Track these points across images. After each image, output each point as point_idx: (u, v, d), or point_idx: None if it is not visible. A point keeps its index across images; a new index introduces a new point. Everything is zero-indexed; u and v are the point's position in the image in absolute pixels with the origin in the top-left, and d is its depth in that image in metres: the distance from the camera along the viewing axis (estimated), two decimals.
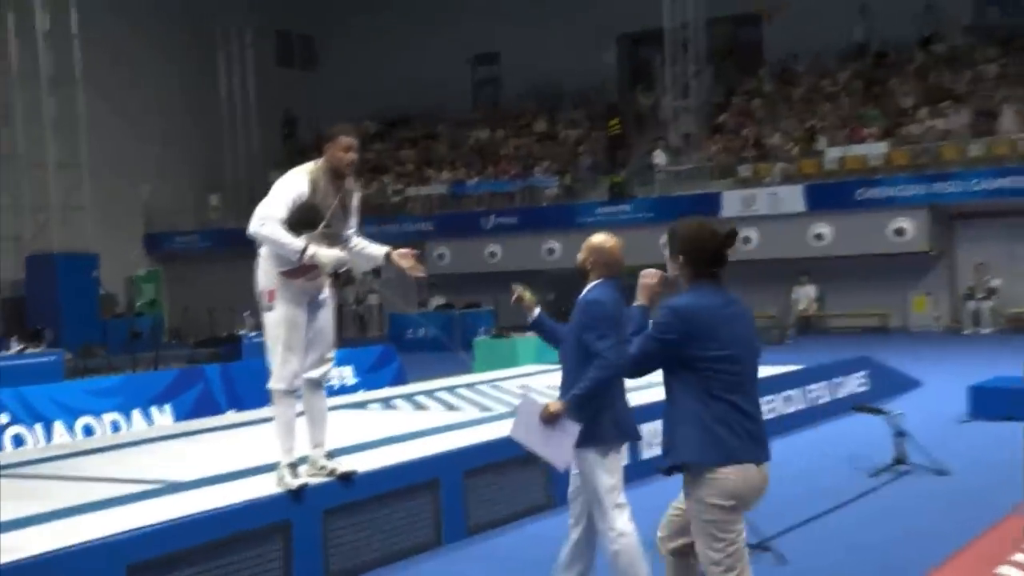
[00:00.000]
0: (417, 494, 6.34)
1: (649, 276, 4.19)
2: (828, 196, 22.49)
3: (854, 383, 11.37)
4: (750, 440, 3.89)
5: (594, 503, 4.93)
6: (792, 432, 9.74)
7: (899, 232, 21.68)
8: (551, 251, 25.05)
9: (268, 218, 5.54)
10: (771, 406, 9.66)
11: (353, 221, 5.98)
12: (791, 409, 10.11)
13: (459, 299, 24.30)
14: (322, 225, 5.67)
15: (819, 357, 16.35)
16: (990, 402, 10.09)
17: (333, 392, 12.40)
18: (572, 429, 4.91)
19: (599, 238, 5.12)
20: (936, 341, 20.31)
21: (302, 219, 5.62)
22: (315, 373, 5.96)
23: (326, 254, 5.59)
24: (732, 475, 3.83)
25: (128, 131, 29.70)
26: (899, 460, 7.91)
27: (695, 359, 3.89)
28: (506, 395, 9.64)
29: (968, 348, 18.64)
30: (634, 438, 5.42)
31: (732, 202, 23.06)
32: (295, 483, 5.65)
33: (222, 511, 5.33)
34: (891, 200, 21.79)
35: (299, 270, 5.67)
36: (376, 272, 25.34)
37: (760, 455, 3.93)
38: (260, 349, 16.29)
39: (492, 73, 33.15)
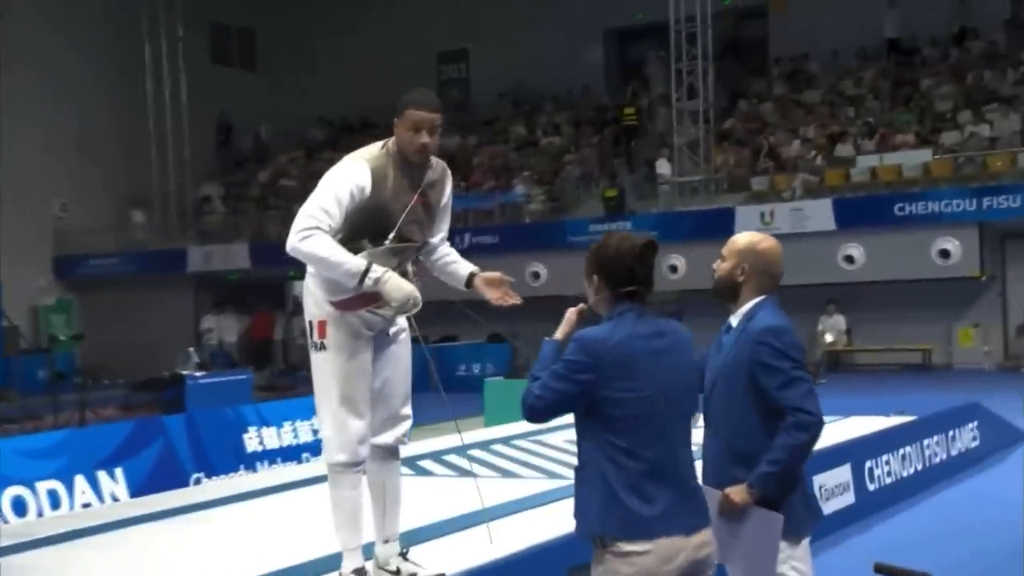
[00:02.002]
0: None
1: (570, 310, 3.71)
2: (861, 212, 21.53)
3: (968, 437, 10.29)
4: (675, 507, 3.33)
5: None
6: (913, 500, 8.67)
7: (944, 254, 20.74)
8: (536, 275, 23.75)
9: (312, 228, 4.25)
10: (887, 468, 8.55)
11: (442, 226, 4.75)
12: (908, 471, 8.98)
13: (431, 331, 23.00)
14: (391, 235, 4.43)
15: (859, 400, 15.41)
16: None
17: (319, 449, 11.12)
18: (774, 523, 3.77)
19: (751, 238, 4.12)
20: (989, 380, 19.36)
21: (363, 225, 4.39)
22: (387, 438, 4.68)
23: (397, 286, 4.25)
24: (643, 549, 3.28)
25: (36, 138, 27.89)
26: None
27: (605, 403, 3.35)
28: (554, 451, 8.40)
29: None
30: (821, 517, 4.35)
31: (748, 218, 21.99)
32: None
33: None
34: (935, 217, 20.86)
35: (358, 299, 4.35)
36: None
37: (687, 523, 3.35)
38: (207, 393, 15.06)
39: (459, 72, 32.10)
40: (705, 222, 21.99)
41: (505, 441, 9.16)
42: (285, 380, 19.44)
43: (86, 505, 8.59)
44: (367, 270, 4.21)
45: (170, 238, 29.82)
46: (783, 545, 3.79)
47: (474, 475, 6.02)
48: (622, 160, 26.36)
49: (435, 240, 4.71)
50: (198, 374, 16.20)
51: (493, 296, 4.61)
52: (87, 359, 26.92)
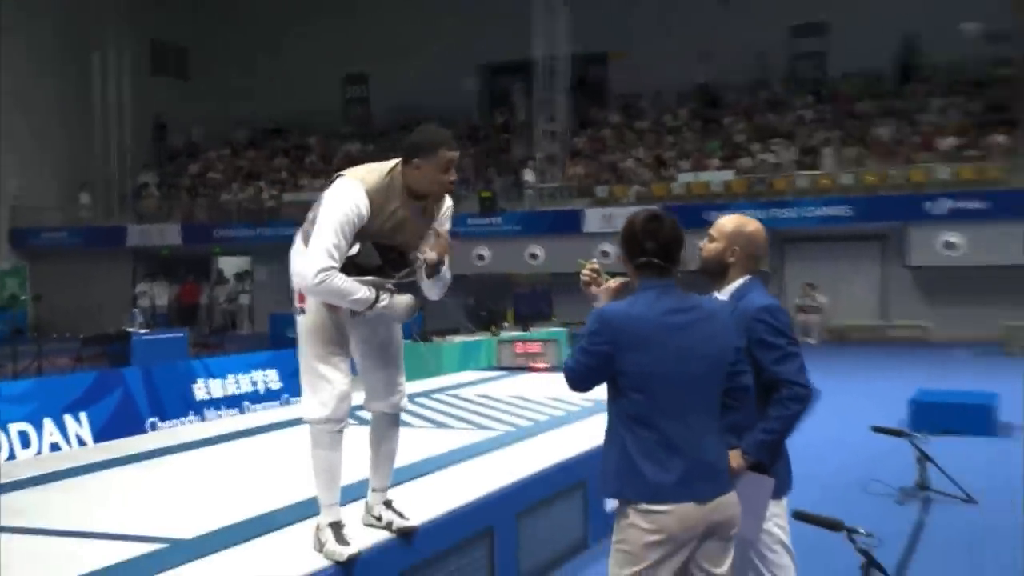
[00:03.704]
0: (472, 548, 4.39)
1: (613, 281, 3.13)
2: (680, 216, 21.09)
3: None
4: (689, 477, 2.77)
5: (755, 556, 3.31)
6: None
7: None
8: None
9: (328, 269, 3.47)
10: None
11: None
12: None
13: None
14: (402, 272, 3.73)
15: None
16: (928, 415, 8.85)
17: (259, 398, 10.19)
18: (764, 486, 3.20)
19: (738, 221, 3.47)
20: None
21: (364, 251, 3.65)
22: (383, 406, 3.89)
23: (401, 303, 3.68)
24: (664, 510, 2.76)
25: None
26: (922, 486, 6.51)
27: (621, 374, 2.82)
28: (480, 407, 7.70)
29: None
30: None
31: (594, 219, 21.72)
32: (345, 552, 3.59)
33: None
34: None
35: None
36: (239, 276, 22.32)
37: (702, 492, 2.79)
38: (149, 348, 13.88)
39: (361, 93, 30.95)
40: (560, 220, 21.65)
41: (427, 395, 8.40)
42: (214, 339, 18.21)
43: (54, 445, 7.55)
44: (377, 297, 3.58)
45: (111, 217, 27.99)
46: (770, 504, 3.24)
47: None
48: (494, 169, 25.77)
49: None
50: (142, 331, 15.03)
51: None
52: (37, 318, 25.07)
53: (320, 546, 3.69)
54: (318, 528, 3.75)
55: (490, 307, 11.67)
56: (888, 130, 22.47)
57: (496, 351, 11.14)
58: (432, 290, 3.81)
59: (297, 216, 23.87)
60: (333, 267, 3.49)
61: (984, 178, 20.44)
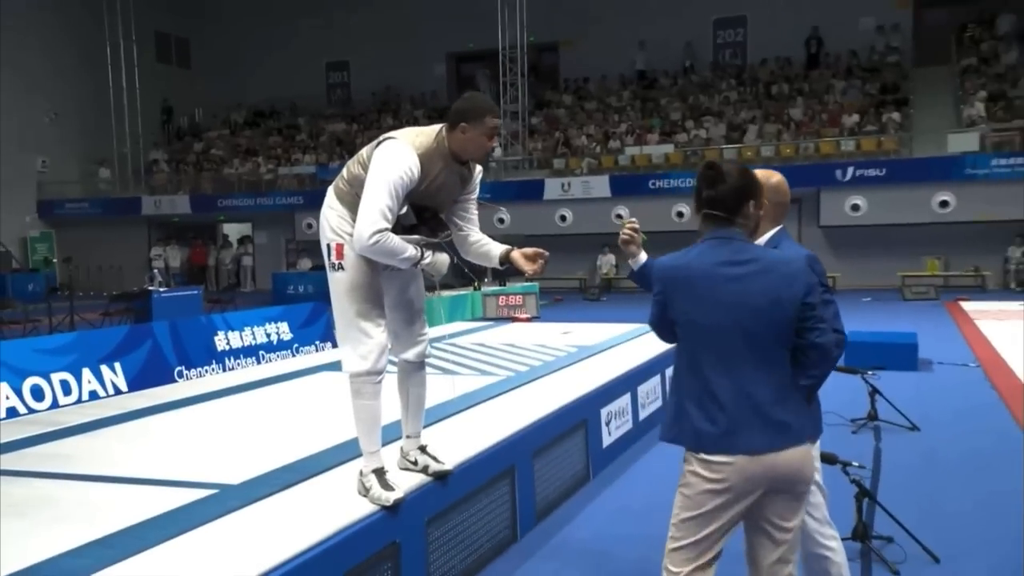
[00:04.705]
0: (497, 486, 4.07)
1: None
2: (627, 185, 21.12)
3: None
4: (737, 428, 2.35)
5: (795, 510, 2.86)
6: None
7: (680, 215, 20.61)
8: None
9: (382, 231, 3.11)
10: None
11: (474, 214, 3.54)
12: None
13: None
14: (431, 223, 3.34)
15: (630, 312, 14.99)
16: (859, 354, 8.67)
17: (273, 348, 9.73)
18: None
19: (762, 174, 2.92)
20: None
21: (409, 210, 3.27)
22: (409, 355, 3.53)
23: (442, 261, 3.33)
24: (725, 460, 2.36)
25: (24, 111, 24.91)
26: (872, 416, 6.32)
27: (674, 323, 2.47)
28: (478, 355, 7.35)
29: None
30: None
31: (553, 188, 21.31)
32: (391, 497, 3.25)
33: (328, 546, 2.91)
34: (674, 190, 20.67)
35: None
36: (241, 240, 21.48)
37: (753, 445, 2.35)
38: (168, 304, 13.29)
39: (343, 78, 29.93)
40: (524, 189, 21.21)
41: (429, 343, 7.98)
42: (224, 295, 17.61)
43: (92, 393, 7.09)
44: (422, 255, 3.24)
45: (128, 189, 26.90)
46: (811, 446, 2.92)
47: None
48: None
49: (474, 227, 3.53)
50: (161, 289, 14.40)
51: (530, 268, 3.42)
52: (64, 278, 24.19)
53: (365, 491, 3.34)
54: (361, 474, 3.41)
55: (472, 265, 11.23)
56: (800, 109, 22.28)
57: (482, 304, 10.76)
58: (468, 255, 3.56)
59: (291, 187, 23.14)
60: (387, 228, 3.12)
61: (882, 149, 20.40)
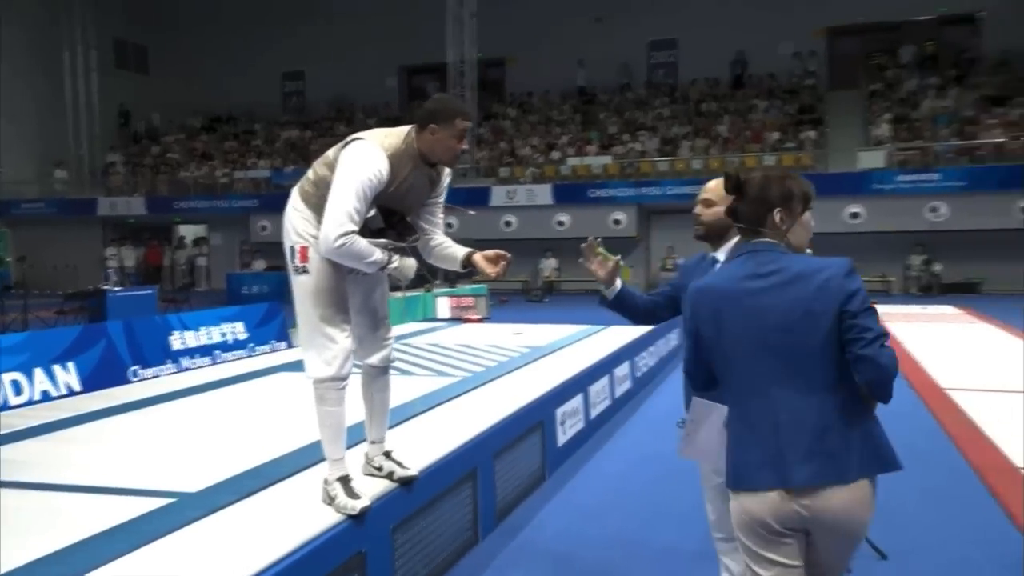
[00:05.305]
0: (460, 489, 3.83)
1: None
2: (569, 193, 21.07)
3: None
4: (765, 458, 1.96)
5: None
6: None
7: (616, 222, 20.67)
8: None
9: (349, 233, 2.84)
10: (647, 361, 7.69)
11: (440, 218, 3.27)
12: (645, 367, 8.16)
13: (285, 263, 20.82)
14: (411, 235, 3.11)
15: (573, 313, 14.89)
16: None
17: (228, 347, 9.28)
18: (719, 411, 2.64)
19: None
20: None
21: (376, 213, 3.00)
22: (374, 359, 3.27)
23: (410, 266, 3.09)
24: (749, 496, 2.00)
25: None
26: None
27: (710, 351, 2.10)
28: (435, 355, 7.10)
29: None
30: None
31: (499, 195, 21.14)
32: (357, 506, 2.97)
33: (293, 560, 2.63)
34: (611, 199, 20.72)
35: None
36: (196, 241, 20.68)
37: (787, 478, 1.93)
38: (123, 303, 12.67)
39: (298, 87, 29.21)
40: (471, 196, 20.91)
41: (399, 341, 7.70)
42: (179, 295, 16.93)
43: (45, 393, 6.59)
44: (389, 260, 2.97)
45: (83, 190, 25.79)
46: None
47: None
48: None
49: (437, 221, 3.26)
50: (116, 289, 13.73)
51: (492, 271, 3.13)
52: (19, 276, 23.01)
53: (330, 500, 3.07)
54: (326, 482, 3.13)
55: (429, 266, 10.94)
56: (727, 126, 22.54)
57: (433, 305, 10.48)
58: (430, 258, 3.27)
59: (247, 190, 22.34)
60: (354, 231, 2.85)
61: (800, 165, 20.72)
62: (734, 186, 2.16)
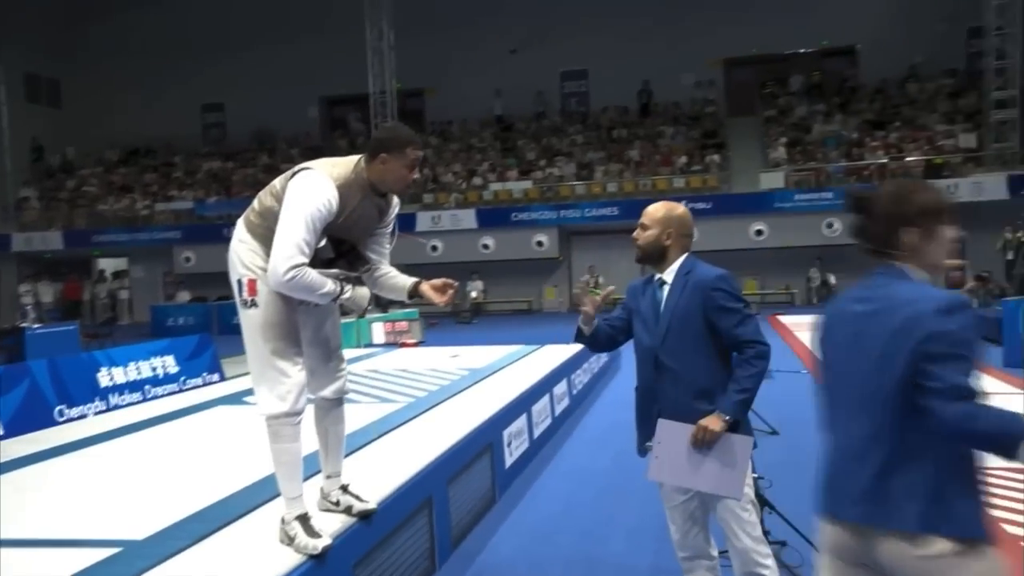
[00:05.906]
0: (416, 519, 3.68)
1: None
2: (492, 218, 21.08)
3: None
4: (824, 487, 1.88)
5: (730, 517, 2.71)
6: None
7: (539, 244, 20.80)
8: None
9: (298, 266, 2.70)
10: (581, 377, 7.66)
11: (388, 248, 3.13)
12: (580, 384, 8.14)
13: (210, 293, 20.05)
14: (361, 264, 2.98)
15: (500, 333, 14.87)
16: None
17: (159, 382, 8.79)
18: (743, 445, 2.63)
19: (667, 207, 2.83)
20: (563, 318, 19.55)
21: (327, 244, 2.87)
22: (328, 392, 3.09)
23: (363, 295, 2.94)
24: (822, 524, 1.89)
25: None
26: None
27: (821, 369, 1.97)
28: (375, 381, 6.87)
29: None
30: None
31: (424, 220, 20.97)
32: (319, 545, 2.80)
33: None
34: (533, 222, 20.84)
35: None
36: (117, 274, 19.75)
37: (837, 511, 1.82)
38: (43, 341, 11.90)
39: (219, 119, 28.33)
40: (397, 222, 20.64)
41: None
42: (102, 329, 16.04)
43: None
44: (341, 291, 2.84)
45: None
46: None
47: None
48: None
49: (384, 251, 3.12)
50: (35, 326, 12.88)
51: (441, 300, 3.01)
52: None
53: (289, 540, 2.88)
54: (284, 522, 2.94)
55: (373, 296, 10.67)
56: (638, 151, 23.04)
57: (368, 330, 10.23)
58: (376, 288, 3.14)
59: (168, 222, 21.47)
60: (304, 263, 2.70)
61: (707, 186, 21.37)
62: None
